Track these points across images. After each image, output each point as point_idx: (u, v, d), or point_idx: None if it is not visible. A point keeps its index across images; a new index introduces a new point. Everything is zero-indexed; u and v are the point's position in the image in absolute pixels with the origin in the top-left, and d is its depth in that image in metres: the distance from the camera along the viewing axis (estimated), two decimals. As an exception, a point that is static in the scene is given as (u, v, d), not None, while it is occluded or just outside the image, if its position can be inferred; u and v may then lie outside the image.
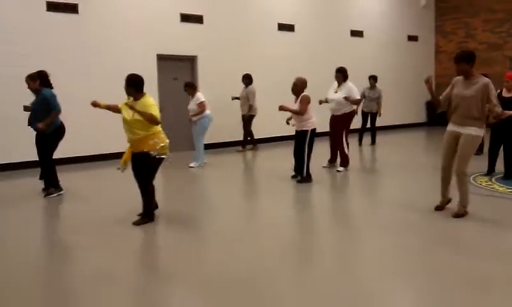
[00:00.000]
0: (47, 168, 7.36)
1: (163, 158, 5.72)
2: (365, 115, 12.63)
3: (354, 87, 8.98)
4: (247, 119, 11.85)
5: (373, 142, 12.85)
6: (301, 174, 8.07)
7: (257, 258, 4.70)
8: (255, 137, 12.22)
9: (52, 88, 7.37)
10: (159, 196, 6.33)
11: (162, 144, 5.68)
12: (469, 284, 3.98)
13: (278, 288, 3.98)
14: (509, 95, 8.01)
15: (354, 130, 12.73)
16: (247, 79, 11.82)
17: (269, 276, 4.22)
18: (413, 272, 4.30)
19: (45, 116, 7.12)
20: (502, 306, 3.64)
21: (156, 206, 6.08)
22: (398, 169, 9.35)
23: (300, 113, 7.85)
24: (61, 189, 7.46)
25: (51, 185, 7.39)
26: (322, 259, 4.71)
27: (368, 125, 12.80)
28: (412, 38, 17.34)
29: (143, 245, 5.33)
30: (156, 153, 5.63)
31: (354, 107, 9.22)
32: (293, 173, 8.34)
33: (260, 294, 3.89)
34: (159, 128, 5.72)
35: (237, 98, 11.88)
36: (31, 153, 8.07)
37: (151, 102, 5.72)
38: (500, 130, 8.05)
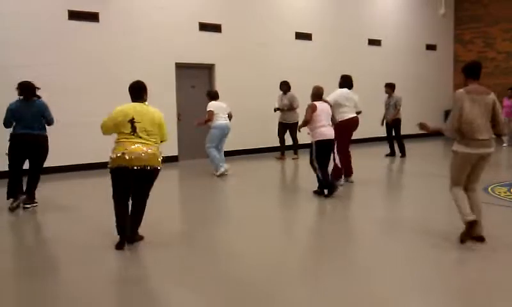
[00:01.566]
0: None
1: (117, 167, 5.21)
2: (386, 125, 12.25)
3: (336, 93, 8.37)
4: (296, 126, 11.60)
5: (392, 153, 12.29)
6: (324, 189, 7.57)
7: (270, 267, 4.74)
8: (280, 145, 12.24)
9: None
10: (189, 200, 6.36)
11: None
12: (493, 296, 3.97)
13: (288, 300, 4.01)
14: None
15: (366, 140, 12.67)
16: (285, 86, 11.78)
17: (281, 287, 4.26)
18: (435, 287, 4.29)
19: None
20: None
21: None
22: (418, 181, 9.31)
23: (305, 122, 7.56)
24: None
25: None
26: (336, 273, 4.72)
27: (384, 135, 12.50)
28: (430, 47, 17.25)
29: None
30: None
31: (349, 115, 8.33)
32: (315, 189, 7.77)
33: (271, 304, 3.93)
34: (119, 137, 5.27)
35: (279, 109, 11.81)
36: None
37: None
38: None
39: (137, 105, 5.31)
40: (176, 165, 10.97)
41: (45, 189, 7.80)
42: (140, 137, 5.15)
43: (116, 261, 4.90)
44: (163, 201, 7.51)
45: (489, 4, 16.71)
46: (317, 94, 7.66)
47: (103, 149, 10.28)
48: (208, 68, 12.34)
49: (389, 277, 4.40)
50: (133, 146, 5.09)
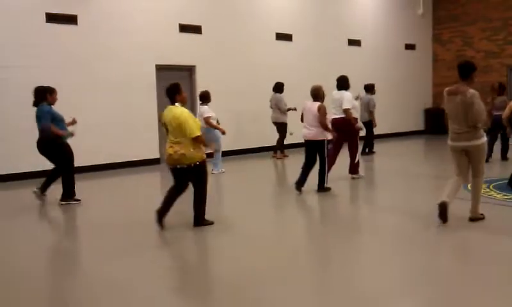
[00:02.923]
0: None
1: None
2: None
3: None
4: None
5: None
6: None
7: (264, 265, 4.73)
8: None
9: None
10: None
11: None
12: (471, 287, 4.05)
13: (282, 296, 4.01)
14: None
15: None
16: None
17: (274, 284, 4.25)
18: (417, 280, 4.33)
19: None
20: (503, 304, 3.73)
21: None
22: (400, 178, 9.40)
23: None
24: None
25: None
26: (330, 268, 4.73)
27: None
28: (409, 47, 17.43)
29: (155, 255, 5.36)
30: None
31: (331, 116, 8.60)
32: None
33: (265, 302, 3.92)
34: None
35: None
36: (39, 163, 8.15)
37: None
38: None
39: (168, 108, 5.84)
40: (158, 168, 10.87)
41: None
42: (171, 139, 5.70)
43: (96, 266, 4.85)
44: (144, 204, 7.48)
45: (466, 4, 16.94)
46: (311, 94, 7.82)
47: (85, 152, 10.28)
48: (189, 70, 12.29)
49: (381, 275, 4.43)
50: (168, 149, 5.74)
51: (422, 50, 17.83)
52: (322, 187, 7.85)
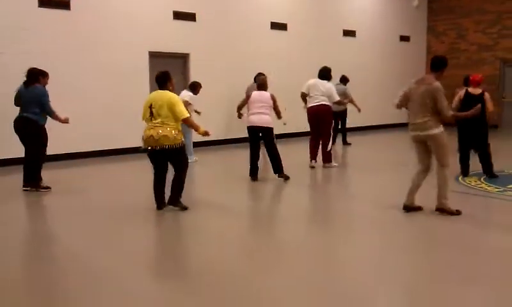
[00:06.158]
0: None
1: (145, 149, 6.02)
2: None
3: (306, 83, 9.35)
4: None
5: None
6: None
7: (239, 257, 4.74)
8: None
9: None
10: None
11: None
12: (459, 281, 4.06)
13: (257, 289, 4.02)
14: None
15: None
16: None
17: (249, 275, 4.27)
18: (404, 273, 4.35)
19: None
20: (489, 299, 3.74)
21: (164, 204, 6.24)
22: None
23: (237, 107, 8.50)
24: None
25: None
26: (308, 258, 4.75)
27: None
28: (404, 38, 17.41)
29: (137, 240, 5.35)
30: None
31: (309, 104, 9.12)
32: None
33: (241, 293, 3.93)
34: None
35: None
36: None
37: None
38: (467, 131, 8.03)
39: (157, 92, 6.05)
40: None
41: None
42: (156, 121, 5.82)
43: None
44: (131, 190, 7.48)
45: (461, -4, 16.95)
46: (257, 84, 8.26)
47: (75, 138, 10.23)
48: (183, 57, 12.22)
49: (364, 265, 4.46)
50: (148, 130, 5.85)
51: (416, 42, 17.81)
52: (282, 171, 8.02)
